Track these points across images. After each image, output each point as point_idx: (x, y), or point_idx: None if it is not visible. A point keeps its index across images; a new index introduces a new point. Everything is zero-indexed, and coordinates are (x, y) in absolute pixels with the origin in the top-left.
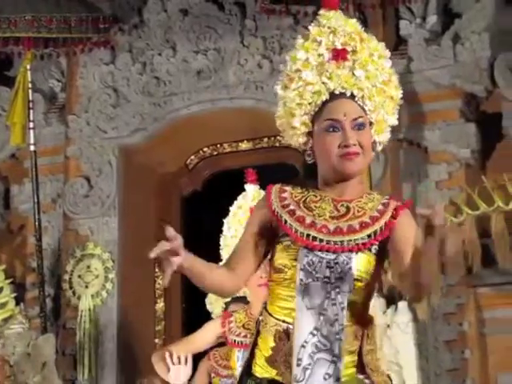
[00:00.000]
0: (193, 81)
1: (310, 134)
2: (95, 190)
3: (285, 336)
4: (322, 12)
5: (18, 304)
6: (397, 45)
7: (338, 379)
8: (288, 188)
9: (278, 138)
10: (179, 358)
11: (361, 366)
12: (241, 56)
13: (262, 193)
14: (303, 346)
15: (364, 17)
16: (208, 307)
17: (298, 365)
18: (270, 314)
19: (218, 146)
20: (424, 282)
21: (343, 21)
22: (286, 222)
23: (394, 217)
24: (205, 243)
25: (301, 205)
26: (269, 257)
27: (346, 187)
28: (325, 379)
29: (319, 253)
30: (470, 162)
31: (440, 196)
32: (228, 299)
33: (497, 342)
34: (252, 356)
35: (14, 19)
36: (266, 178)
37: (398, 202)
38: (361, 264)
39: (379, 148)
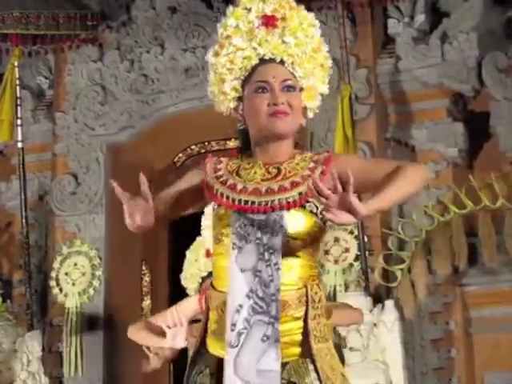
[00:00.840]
0: (181, 78)
1: (240, 99)
2: (82, 187)
3: (224, 306)
4: None
5: (4, 301)
6: (385, 44)
7: (277, 340)
8: (224, 159)
9: None
10: (174, 320)
11: (306, 333)
12: None
13: None
14: (237, 311)
15: (353, 15)
16: (182, 282)
17: (232, 330)
18: (214, 288)
19: (206, 143)
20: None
21: None
22: (217, 191)
23: (323, 172)
24: (191, 240)
25: (233, 174)
26: None
27: (277, 149)
28: (263, 341)
29: (250, 215)
30: (458, 161)
31: (427, 195)
32: (204, 273)
33: (483, 341)
34: (205, 331)
35: (2, 16)
36: None
37: (325, 155)
38: (295, 222)
39: (310, 115)
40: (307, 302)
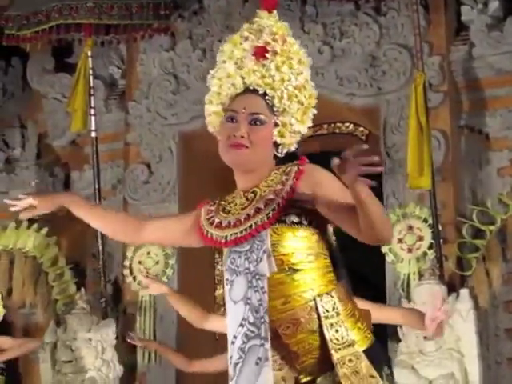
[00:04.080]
0: None
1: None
2: (155, 177)
3: None
4: (258, 11)
5: (78, 289)
6: (458, 31)
7: (267, 359)
8: (217, 201)
9: (338, 124)
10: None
11: (326, 344)
12: (301, 42)
13: None
14: (232, 343)
15: (426, 2)
16: None
17: (230, 363)
18: None
19: None
20: (376, 222)
21: (273, 22)
22: (207, 233)
23: (292, 188)
24: None
25: (220, 211)
26: None
27: (250, 177)
28: (257, 364)
29: (237, 248)
30: None
31: (502, 183)
32: None
33: None
34: None
35: (76, 6)
36: (325, 166)
37: (296, 167)
38: (280, 239)
39: (283, 151)
40: (318, 314)
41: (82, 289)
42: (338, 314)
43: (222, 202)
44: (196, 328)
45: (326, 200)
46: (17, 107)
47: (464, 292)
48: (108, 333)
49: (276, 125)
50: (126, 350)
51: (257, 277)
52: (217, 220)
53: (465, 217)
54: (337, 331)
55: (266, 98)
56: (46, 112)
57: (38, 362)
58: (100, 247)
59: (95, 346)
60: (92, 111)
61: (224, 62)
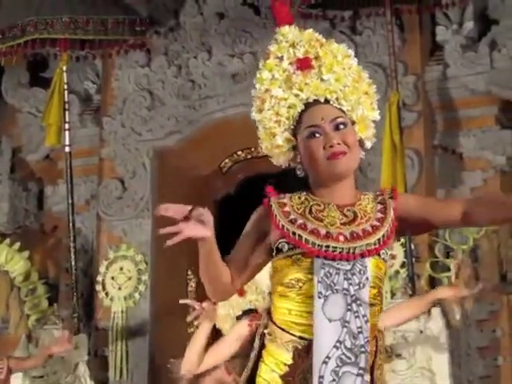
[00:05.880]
0: (228, 84)
1: (295, 148)
2: (129, 192)
3: (304, 353)
4: (277, 29)
5: (51, 305)
6: (433, 51)
7: None
8: (286, 200)
9: None
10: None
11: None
12: None
13: None
14: (325, 362)
15: (401, 22)
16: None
17: (320, 382)
18: (283, 329)
19: (253, 149)
20: None
21: (299, 32)
22: (300, 237)
23: (393, 220)
24: None
25: (308, 216)
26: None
27: (342, 190)
28: None
29: (335, 263)
30: (506, 168)
31: None
32: (239, 313)
33: None
34: (255, 368)
35: (51, 20)
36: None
37: (388, 193)
38: (373, 270)
39: (368, 145)
40: (376, 352)
41: (55, 304)
42: (384, 356)
43: (296, 204)
44: (167, 342)
45: (420, 202)
46: None
47: (436, 311)
48: (80, 348)
49: (353, 123)
50: (97, 366)
51: (358, 302)
52: (310, 225)
53: (438, 236)
54: (380, 374)
55: (331, 102)
56: (20, 126)
57: (10, 377)
58: (73, 262)
59: (67, 362)
60: (66, 126)
61: (268, 90)
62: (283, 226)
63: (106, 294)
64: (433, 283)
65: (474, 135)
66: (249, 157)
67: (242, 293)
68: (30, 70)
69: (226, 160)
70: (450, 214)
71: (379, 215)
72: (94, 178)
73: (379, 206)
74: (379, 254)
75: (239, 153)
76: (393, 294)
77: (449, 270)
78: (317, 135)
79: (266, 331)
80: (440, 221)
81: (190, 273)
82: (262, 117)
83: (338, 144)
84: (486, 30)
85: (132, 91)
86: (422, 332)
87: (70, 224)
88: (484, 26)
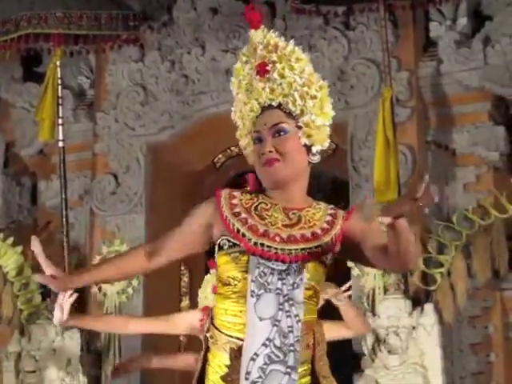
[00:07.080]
0: (221, 79)
1: None
2: (122, 187)
3: (239, 353)
4: (250, 32)
5: (44, 299)
6: (426, 47)
7: None
8: (237, 194)
9: None
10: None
11: (313, 374)
12: None
13: None
14: (253, 359)
15: (394, 18)
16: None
17: (246, 378)
18: (220, 331)
19: None
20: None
21: (263, 36)
22: (238, 230)
23: (338, 235)
24: None
25: (252, 212)
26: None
27: (290, 194)
28: None
29: (270, 263)
30: (498, 164)
31: (468, 199)
32: None
33: None
34: (203, 372)
35: (45, 15)
36: None
37: (342, 211)
38: (310, 273)
39: (318, 150)
40: (314, 345)
41: (48, 299)
42: (324, 347)
43: (246, 200)
44: (160, 337)
45: (364, 233)
46: None
47: (428, 307)
48: (73, 344)
49: (299, 127)
50: (90, 362)
51: (290, 302)
52: (251, 221)
53: (430, 232)
54: (324, 364)
55: (282, 107)
56: (13, 121)
57: (2, 372)
58: (66, 256)
59: (59, 357)
60: (60, 121)
61: (237, 94)
62: (226, 217)
63: (99, 289)
64: (426, 279)
65: (467, 131)
66: (241, 152)
67: (216, 290)
68: (23, 65)
69: (220, 155)
70: (377, 242)
71: (325, 226)
72: (88, 173)
73: (328, 218)
74: (322, 261)
75: (233, 148)
76: (386, 290)
77: (442, 265)
78: (259, 141)
79: (207, 335)
80: (369, 247)
81: (182, 268)
82: (235, 118)
83: (270, 152)
84: (480, 26)
85: (125, 86)
86: (414, 328)
87: (64, 219)
88: (478, 22)
